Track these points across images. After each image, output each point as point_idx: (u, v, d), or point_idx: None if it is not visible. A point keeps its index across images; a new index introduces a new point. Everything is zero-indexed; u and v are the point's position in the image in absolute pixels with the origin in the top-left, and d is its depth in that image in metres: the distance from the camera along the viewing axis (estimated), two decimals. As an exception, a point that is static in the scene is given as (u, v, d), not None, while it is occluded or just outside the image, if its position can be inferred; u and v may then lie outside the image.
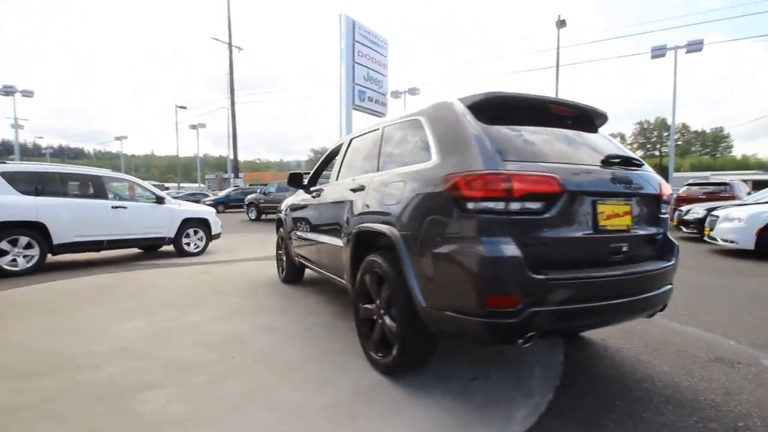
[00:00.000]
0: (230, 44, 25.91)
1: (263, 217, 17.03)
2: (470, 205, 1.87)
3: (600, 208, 2.06)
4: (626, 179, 2.18)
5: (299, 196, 4.46)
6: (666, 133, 64.82)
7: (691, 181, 13.88)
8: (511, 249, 1.80)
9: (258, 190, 17.41)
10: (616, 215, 2.12)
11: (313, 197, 3.84)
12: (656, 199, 2.33)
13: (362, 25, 17.47)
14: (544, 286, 1.82)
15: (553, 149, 2.14)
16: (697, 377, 2.51)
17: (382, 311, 2.46)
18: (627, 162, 2.25)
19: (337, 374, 2.47)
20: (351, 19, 16.94)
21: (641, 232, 2.23)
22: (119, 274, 5.67)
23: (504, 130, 2.09)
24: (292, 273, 4.92)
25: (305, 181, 4.30)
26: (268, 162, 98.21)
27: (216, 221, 8.04)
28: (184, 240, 7.47)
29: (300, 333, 3.19)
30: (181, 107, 39.46)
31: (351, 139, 3.53)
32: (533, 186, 1.85)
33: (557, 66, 18.30)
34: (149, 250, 7.88)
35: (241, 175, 28.83)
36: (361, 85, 17.79)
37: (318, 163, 4.35)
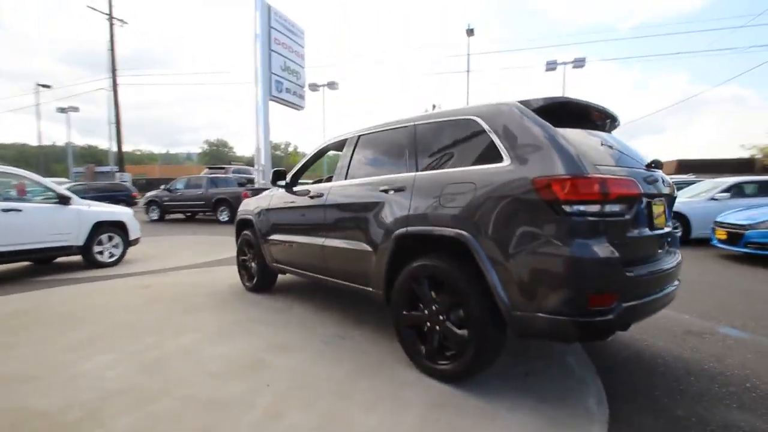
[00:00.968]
0: (111, 16, 22.22)
1: (167, 217, 15.11)
2: (567, 208, 1.91)
3: (653, 208, 2.29)
4: (660, 180, 2.46)
5: (279, 197, 4.05)
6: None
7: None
8: (609, 249, 1.90)
9: (162, 187, 15.34)
10: (659, 214, 2.38)
11: (311, 198, 3.52)
12: (672, 198, 2.68)
13: (278, 11, 16.53)
14: (632, 282, 1.96)
15: (610, 153, 2.30)
16: (687, 349, 2.96)
17: (441, 317, 2.39)
18: (656, 164, 2.54)
19: (398, 389, 2.33)
20: (266, 3, 15.90)
21: (669, 229, 2.54)
22: (32, 294, 4.50)
23: (571, 134, 2.18)
24: (265, 281, 4.46)
25: (287, 180, 3.94)
26: (151, 153, 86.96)
27: (135, 224, 6.87)
28: (96, 248, 6.24)
29: (319, 348, 2.92)
30: (43, 86, 32.48)
31: (359, 137, 3.31)
32: (623, 189, 1.97)
33: (468, 71, 19.83)
34: (41, 262, 6.41)
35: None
36: (279, 76, 16.84)
37: (302, 162, 4.01)
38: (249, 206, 4.64)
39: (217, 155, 64.07)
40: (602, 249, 1.90)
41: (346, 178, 3.28)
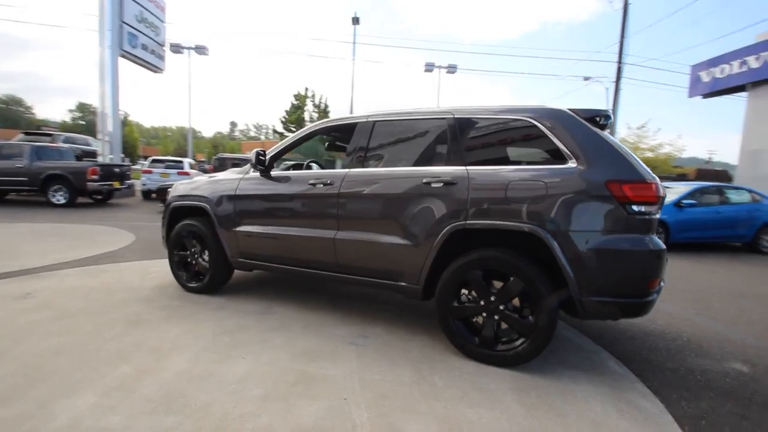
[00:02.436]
0: None
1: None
2: (635, 208, 2.26)
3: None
4: None
5: (254, 181, 3.47)
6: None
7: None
8: (659, 242, 2.33)
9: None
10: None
11: (314, 185, 3.13)
12: None
13: (132, -53, 13.48)
14: (663, 269, 2.44)
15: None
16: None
17: (501, 306, 2.51)
18: None
19: (473, 380, 2.36)
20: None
21: None
22: None
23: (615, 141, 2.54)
24: (219, 280, 3.77)
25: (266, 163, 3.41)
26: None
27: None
28: None
29: (352, 351, 2.69)
30: None
31: (374, 122, 3.10)
32: (662, 192, 2.41)
33: (353, 58, 19.84)
34: None
35: None
36: (133, 27, 13.83)
37: (285, 144, 3.50)
38: (196, 191, 3.81)
39: (6, 116, 48.63)
40: (656, 242, 2.32)
41: (364, 166, 3.04)
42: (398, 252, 2.80)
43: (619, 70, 20.90)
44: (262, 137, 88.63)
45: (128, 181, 12.25)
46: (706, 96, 20.34)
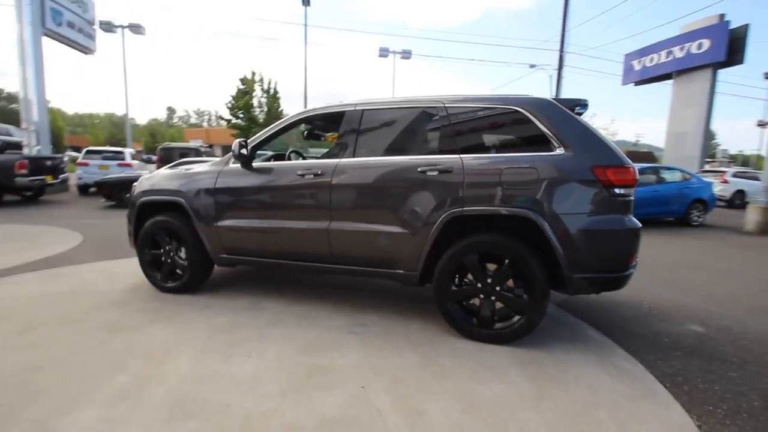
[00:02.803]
0: None
1: None
2: (617, 191, 2.47)
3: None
4: None
5: (234, 173, 3.32)
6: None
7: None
8: (636, 221, 2.57)
9: None
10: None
11: (303, 176, 3.07)
12: None
13: None
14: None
15: None
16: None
17: (497, 288, 2.65)
18: None
19: (476, 360, 2.49)
20: None
21: None
22: None
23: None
24: (198, 277, 3.61)
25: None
26: None
27: None
28: None
29: (355, 340, 2.72)
30: None
31: (363, 111, 3.08)
32: (638, 175, 2.64)
33: (305, 42, 19.14)
34: None
35: None
36: (56, 2, 12.34)
37: (267, 134, 3.37)
38: (169, 185, 3.57)
39: None
40: (634, 221, 2.55)
41: (355, 156, 3.02)
42: (395, 240, 2.84)
43: (561, 59, 22.01)
44: (205, 124, 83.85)
45: (62, 175, 11.16)
46: (637, 83, 22.10)
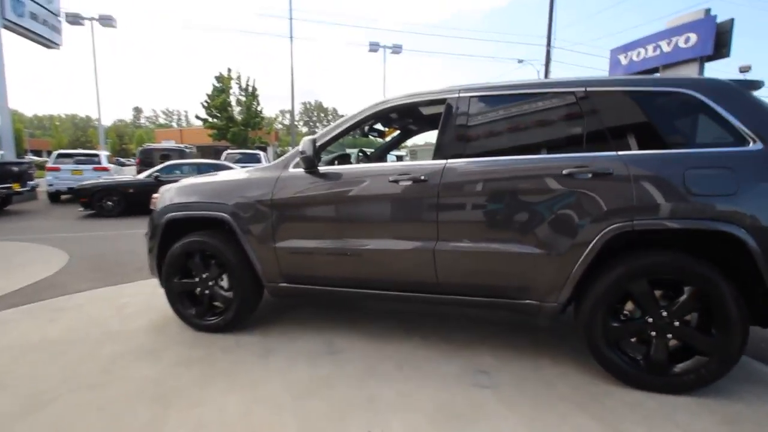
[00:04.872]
0: None
1: None
2: None
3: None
4: None
5: (301, 180, 2.59)
6: (322, 114, 77.95)
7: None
8: None
9: None
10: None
11: (399, 183, 2.38)
12: None
13: None
14: None
15: None
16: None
17: (676, 322, 2.05)
18: None
19: (696, 424, 1.88)
20: None
21: None
22: None
23: None
24: (246, 312, 2.85)
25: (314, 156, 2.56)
26: None
27: None
28: None
29: (498, 400, 2.07)
30: None
31: (469, 98, 2.41)
32: None
33: (291, 38, 18.11)
34: None
35: None
36: (16, -10, 10.94)
37: (336, 131, 2.65)
38: (207, 197, 2.80)
39: None
40: None
41: (465, 155, 2.36)
42: (528, 264, 2.21)
43: (548, 54, 21.94)
44: (174, 124, 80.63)
45: (30, 182, 9.93)
46: (624, 78, 22.23)
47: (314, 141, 2.50)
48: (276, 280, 2.71)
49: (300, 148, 2.49)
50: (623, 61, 21.62)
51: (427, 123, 3.50)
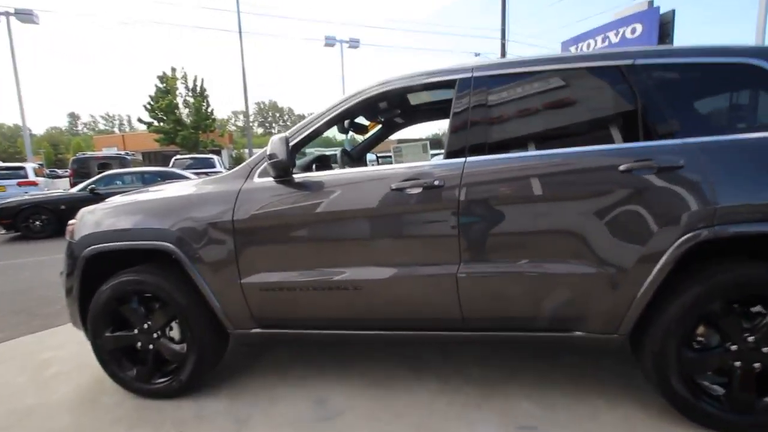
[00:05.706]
0: None
1: None
2: None
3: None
4: None
5: (268, 194, 1.96)
6: (277, 114, 75.71)
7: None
8: None
9: None
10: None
11: (400, 190, 1.81)
12: None
13: None
14: None
15: None
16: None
17: (764, 348, 1.64)
18: None
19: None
20: None
21: None
22: None
23: None
24: (209, 364, 2.17)
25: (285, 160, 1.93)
26: None
27: None
28: None
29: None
30: None
31: (489, 77, 1.87)
32: None
33: (240, 32, 16.86)
34: None
35: None
36: None
37: (313, 127, 2.02)
38: (142, 221, 2.09)
39: None
40: None
41: (489, 151, 1.83)
42: (581, 286, 1.72)
43: (504, 47, 22.18)
44: (116, 130, 75.23)
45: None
46: (576, 69, 22.87)
47: (287, 140, 1.87)
48: (246, 325, 2.06)
49: (268, 150, 1.86)
50: (574, 52, 22.25)
51: (420, 113, 2.95)
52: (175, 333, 2.16)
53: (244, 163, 2.11)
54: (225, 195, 2.01)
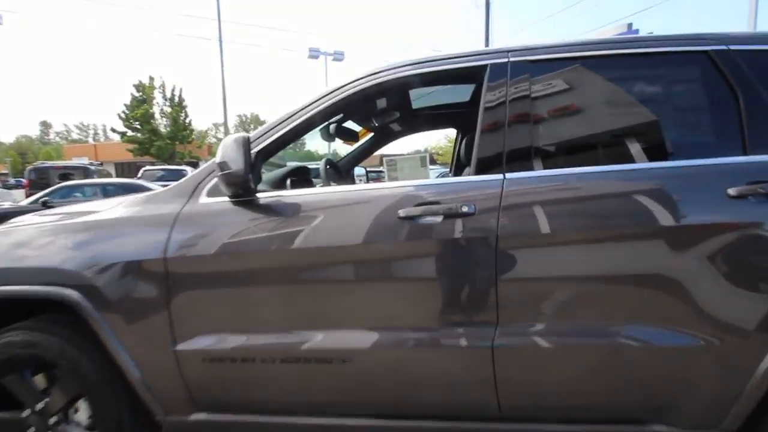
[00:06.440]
0: None
1: None
2: None
3: None
4: None
5: (219, 219, 1.37)
6: (259, 127, 75.13)
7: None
8: None
9: None
10: None
11: (409, 218, 1.25)
12: None
13: None
14: None
15: None
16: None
17: None
18: None
19: None
20: None
21: None
22: None
23: None
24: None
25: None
26: None
27: None
28: None
29: None
30: None
31: (531, 63, 1.35)
32: None
33: (220, 41, 16.21)
34: None
35: None
36: None
37: (287, 126, 1.43)
38: (32, 257, 1.46)
39: None
40: None
41: (534, 165, 1.29)
42: (673, 362, 1.19)
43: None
44: (90, 139, 72.69)
45: None
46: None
47: (247, 143, 1.29)
48: (182, 409, 1.43)
49: (218, 157, 1.27)
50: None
51: (424, 118, 2.42)
52: (81, 415, 1.51)
53: (187, 176, 1.52)
54: (155, 221, 1.41)
